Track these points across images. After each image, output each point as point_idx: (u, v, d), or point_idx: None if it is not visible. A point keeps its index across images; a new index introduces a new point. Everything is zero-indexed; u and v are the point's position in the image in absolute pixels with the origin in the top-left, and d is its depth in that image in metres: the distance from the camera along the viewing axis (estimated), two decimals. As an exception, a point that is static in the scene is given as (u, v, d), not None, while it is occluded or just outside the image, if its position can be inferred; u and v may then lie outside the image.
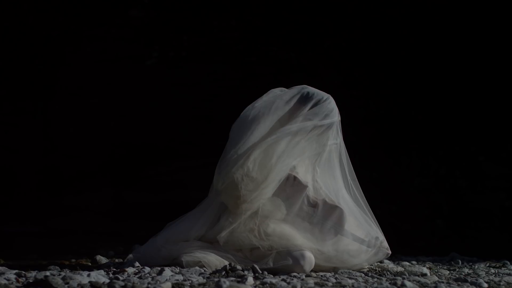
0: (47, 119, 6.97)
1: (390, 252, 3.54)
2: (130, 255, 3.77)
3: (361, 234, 3.49)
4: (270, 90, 3.59)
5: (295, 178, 3.45)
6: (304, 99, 3.50)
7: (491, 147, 6.81)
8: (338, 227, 3.43)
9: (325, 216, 3.44)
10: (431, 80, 6.96)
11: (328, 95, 3.55)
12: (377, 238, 3.49)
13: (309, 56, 7.03)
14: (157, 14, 7.10)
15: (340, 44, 7.02)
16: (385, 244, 3.52)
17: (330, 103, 3.51)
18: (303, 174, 3.50)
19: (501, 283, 3.21)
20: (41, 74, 6.97)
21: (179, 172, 6.95)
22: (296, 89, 3.56)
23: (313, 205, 3.45)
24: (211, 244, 3.46)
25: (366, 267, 3.62)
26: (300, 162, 3.51)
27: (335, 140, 3.57)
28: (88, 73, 7.01)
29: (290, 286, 2.79)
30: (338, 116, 3.55)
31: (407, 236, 6.27)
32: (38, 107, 6.96)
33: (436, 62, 6.97)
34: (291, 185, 3.44)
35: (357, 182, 3.64)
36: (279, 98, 3.52)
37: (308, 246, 3.34)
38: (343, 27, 7.04)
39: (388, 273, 3.51)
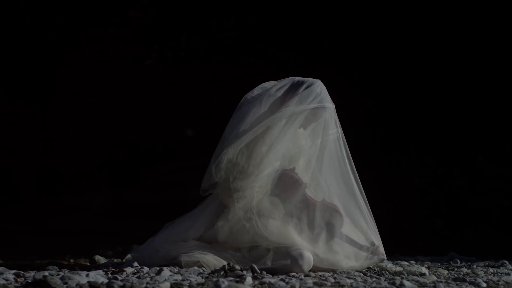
0: (45, 119, 6.96)
1: (385, 258, 3.52)
2: (129, 255, 3.77)
3: (356, 237, 3.48)
4: (260, 84, 3.62)
5: (292, 177, 3.45)
6: (295, 85, 3.52)
7: (490, 147, 6.81)
8: (334, 229, 3.42)
9: (322, 217, 3.43)
10: (430, 80, 6.97)
11: (318, 80, 3.56)
12: (372, 243, 3.48)
13: (307, 56, 7.03)
14: (155, 14, 7.10)
15: (338, 44, 7.03)
16: (381, 249, 3.49)
17: (319, 86, 3.52)
18: (302, 174, 3.50)
19: (500, 283, 3.21)
20: (39, 74, 6.97)
21: (177, 172, 6.95)
22: (286, 80, 3.59)
23: (311, 205, 3.44)
24: (210, 244, 3.46)
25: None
26: (299, 161, 3.51)
27: (333, 130, 3.55)
28: (86, 73, 7.01)
29: (288, 286, 2.79)
30: (331, 103, 3.55)
31: (406, 236, 6.28)
32: (37, 107, 6.95)
33: (435, 62, 6.97)
34: (289, 184, 3.44)
35: (358, 177, 3.59)
36: (271, 89, 3.54)
37: (305, 246, 3.34)
38: (341, 27, 7.04)
39: (387, 272, 3.51)
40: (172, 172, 7.00)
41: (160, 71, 7.08)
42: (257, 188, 3.37)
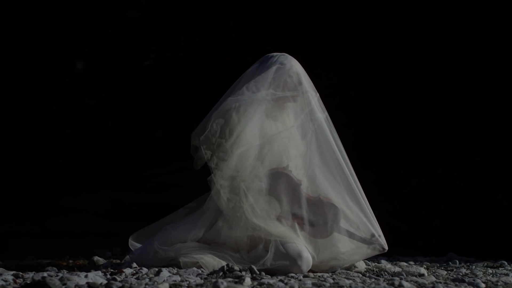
0: (44, 120, 6.96)
1: (386, 248, 3.46)
2: (128, 256, 3.77)
3: (355, 230, 3.46)
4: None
5: (287, 175, 3.44)
6: (264, 61, 3.64)
7: (489, 147, 6.81)
8: (333, 224, 3.41)
9: (319, 213, 3.42)
10: (428, 81, 6.97)
11: (293, 61, 3.57)
12: (372, 234, 3.45)
13: (306, 56, 7.02)
14: (154, 15, 7.10)
15: (337, 44, 7.02)
16: (381, 240, 3.45)
17: (288, 66, 3.55)
18: (296, 172, 3.49)
19: (499, 283, 3.21)
20: (38, 75, 6.96)
21: (176, 173, 6.95)
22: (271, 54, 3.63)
23: (307, 202, 3.43)
24: (209, 245, 3.47)
25: (363, 268, 3.61)
26: (293, 160, 3.50)
27: (315, 115, 3.52)
28: (85, 74, 7.00)
29: (287, 286, 2.79)
30: (313, 90, 3.54)
31: (404, 237, 6.27)
32: (35, 108, 6.95)
33: (433, 62, 6.97)
34: (284, 183, 3.43)
35: (351, 166, 3.50)
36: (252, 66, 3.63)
37: (303, 242, 3.35)
38: (340, 28, 7.04)
39: (386, 273, 3.51)
40: (171, 173, 7.00)
41: (158, 72, 7.07)
42: (234, 170, 3.37)
